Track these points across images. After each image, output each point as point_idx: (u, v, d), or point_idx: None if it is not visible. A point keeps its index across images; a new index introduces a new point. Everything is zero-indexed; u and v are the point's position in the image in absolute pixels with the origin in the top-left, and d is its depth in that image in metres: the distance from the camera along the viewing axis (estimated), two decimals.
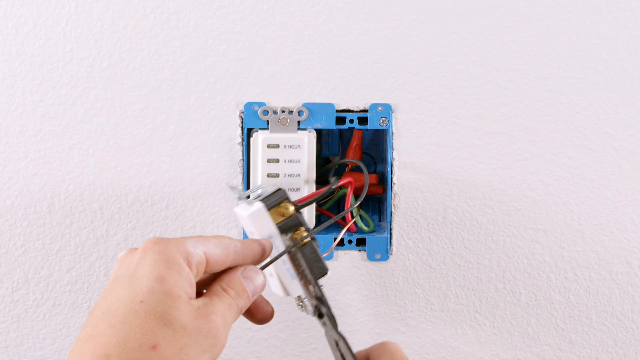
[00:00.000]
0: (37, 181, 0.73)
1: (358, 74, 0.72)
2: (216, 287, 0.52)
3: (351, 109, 0.72)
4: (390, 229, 0.73)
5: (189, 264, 0.49)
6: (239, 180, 0.71)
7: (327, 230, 0.72)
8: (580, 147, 0.72)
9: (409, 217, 0.73)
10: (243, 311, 0.52)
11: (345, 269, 0.73)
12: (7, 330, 0.73)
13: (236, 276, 0.53)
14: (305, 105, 0.71)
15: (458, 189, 0.73)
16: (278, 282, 0.61)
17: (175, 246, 0.49)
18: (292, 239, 0.60)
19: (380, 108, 0.71)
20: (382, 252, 0.73)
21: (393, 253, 0.74)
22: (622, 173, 0.73)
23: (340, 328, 0.71)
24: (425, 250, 0.74)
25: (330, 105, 0.71)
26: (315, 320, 0.73)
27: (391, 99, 0.72)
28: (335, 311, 0.70)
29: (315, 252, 0.62)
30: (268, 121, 0.71)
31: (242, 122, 0.72)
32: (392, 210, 0.73)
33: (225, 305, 0.50)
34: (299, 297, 0.62)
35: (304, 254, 0.61)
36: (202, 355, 0.47)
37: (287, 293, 0.61)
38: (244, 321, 0.73)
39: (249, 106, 0.71)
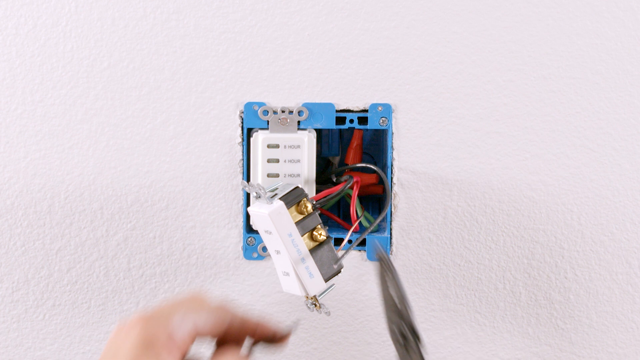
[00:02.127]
0: (37, 181, 0.73)
1: (358, 74, 0.72)
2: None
3: (351, 109, 0.72)
4: (390, 229, 0.73)
5: (171, 344, 0.49)
6: (238, 180, 0.72)
7: (329, 231, 0.73)
8: (580, 147, 0.73)
9: (409, 217, 0.73)
10: None
11: (345, 269, 0.72)
12: (7, 330, 0.73)
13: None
14: (305, 105, 0.71)
15: (458, 189, 0.73)
16: (296, 281, 0.62)
17: (158, 324, 0.49)
18: (311, 236, 0.62)
19: (380, 108, 0.71)
20: None
21: (393, 253, 0.74)
22: (622, 173, 0.73)
23: (341, 328, 0.75)
24: (425, 250, 0.74)
25: (330, 105, 0.71)
26: (315, 320, 0.76)
27: (391, 99, 0.72)
28: (334, 311, 0.74)
29: (332, 250, 0.64)
30: (268, 121, 0.71)
31: (242, 122, 0.72)
32: (392, 210, 0.73)
33: None
34: (314, 296, 0.63)
35: (324, 251, 0.63)
36: None
37: (304, 292, 0.62)
38: None
39: (249, 106, 0.71)
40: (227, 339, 0.53)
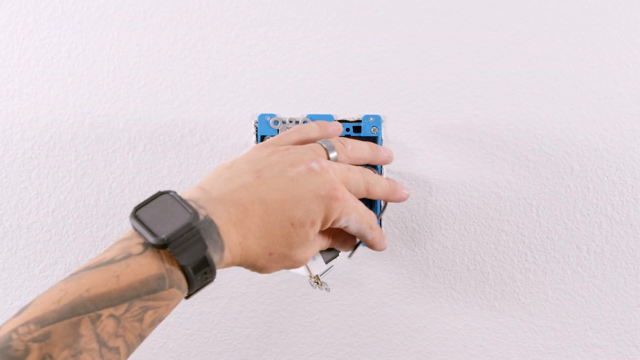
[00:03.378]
0: (85, 180, 0.75)
1: (353, 90, 0.73)
2: (328, 229, 0.58)
3: (347, 119, 0.73)
4: (380, 220, 0.74)
5: (332, 223, 0.55)
6: None
7: None
8: (538, 151, 0.73)
9: (396, 210, 0.75)
10: None
11: (342, 253, 0.71)
12: None
13: (342, 236, 0.61)
14: (309, 116, 0.73)
15: (436, 186, 0.74)
16: None
17: (340, 212, 0.54)
18: None
19: (371, 119, 0.72)
20: None
21: None
22: (573, 173, 0.74)
23: (338, 302, 0.76)
24: (409, 237, 0.75)
25: (330, 116, 0.72)
26: (317, 296, 0.76)
27: (381, 111, 0.73)
28: (333, 289, 0.75)
29: None
30: (278, 130, 0.72)
31: (256, 131, 0.73)
32: (382, 204, 0.72)
33: (322, 245, 0.59)
34: (316, 276, 0.65)
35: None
36: (283, 268, 0.56)
37: (308, 272, 0.65)
38: (258, 296, 0.77)
39: (262, 117, 0.73)
40: None
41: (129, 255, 0.47)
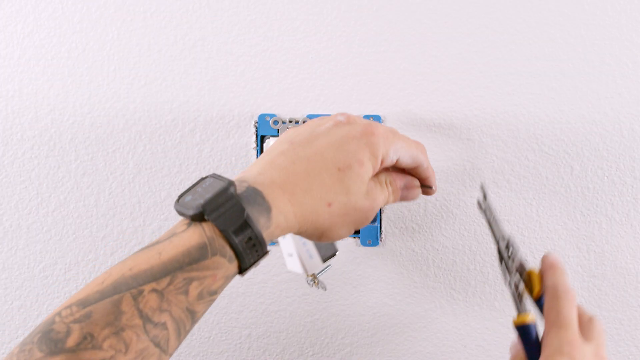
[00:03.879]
0: (85, 180, 0.76)
1: (353, 90, 0.74)
2: (383, 178, 0.57)
3: None
4: (380, 220, 0.76)
5: (382, 161, 0.54)
6: None
7: None
8: (538, 152, 0.74)
9: (396, 210, 0.75)
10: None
11: (342, 252, 0.76)
12: (61, 304, 0.74)
13: (400, 181, 0.58)
14: (309, 116, 0.73)
15: (436, 186, 0.69)
16: (298, 261, 0.65)
17: (383, 145, 0.54)
18: None
19: (371, 119, 0.72)
20: (373, 239, 0.75)
21: (382, 240, 0.76)
22: (573, 173, 0.74)
23: (339, 302, 0.76)
24: (409, 237, 0.76)
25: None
26: (317, 296, 0.77)
27: (380, 111, 0.74)
28: (333, 289, 0.75)
29: None
30: (278, 130, 0.73)
31: (256, 131, 0.74)
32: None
33: (384, 196, 0.56)
34: (313, 274, 0.65)
35: None
36: (352, 225, 0.54)
37: (305, 271, 0.65)
38: (258, 296, 0.77)
39: (262, 117, 0.74)
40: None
41: (173, 235, 0.48)
